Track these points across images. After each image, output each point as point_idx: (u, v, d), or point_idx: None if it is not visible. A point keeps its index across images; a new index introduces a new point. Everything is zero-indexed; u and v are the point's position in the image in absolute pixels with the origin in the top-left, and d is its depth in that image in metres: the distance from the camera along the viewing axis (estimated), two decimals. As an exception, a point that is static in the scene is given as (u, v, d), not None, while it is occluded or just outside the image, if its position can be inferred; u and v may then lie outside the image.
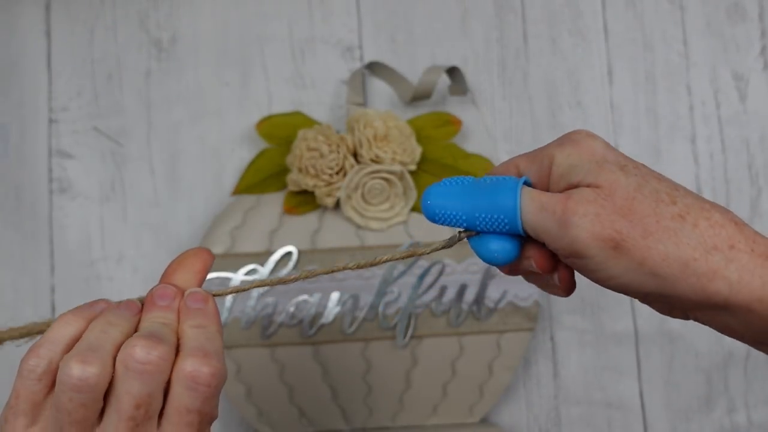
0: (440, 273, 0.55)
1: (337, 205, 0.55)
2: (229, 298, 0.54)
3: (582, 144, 0.31)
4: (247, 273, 0.54)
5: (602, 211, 0.28)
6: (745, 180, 0.59)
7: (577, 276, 0.59)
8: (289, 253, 0.55)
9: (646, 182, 0.30)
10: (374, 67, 0.59)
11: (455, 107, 0.60)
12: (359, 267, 0.32)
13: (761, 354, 0.58)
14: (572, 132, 0.33)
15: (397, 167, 0.54)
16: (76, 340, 0.29)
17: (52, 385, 0.28)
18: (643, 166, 0.31)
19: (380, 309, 0.54)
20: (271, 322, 0.54)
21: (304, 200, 0.56)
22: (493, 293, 0.54)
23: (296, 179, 0.54)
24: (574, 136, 0.32)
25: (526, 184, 0.31)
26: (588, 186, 0.29)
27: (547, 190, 0.31)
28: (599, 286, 0.61)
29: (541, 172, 0.31)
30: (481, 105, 0.60)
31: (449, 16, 0.61)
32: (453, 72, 0.58)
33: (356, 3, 0.61)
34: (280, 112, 0.58)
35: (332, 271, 0.32)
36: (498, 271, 0.55)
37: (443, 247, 0.32)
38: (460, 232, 0.32)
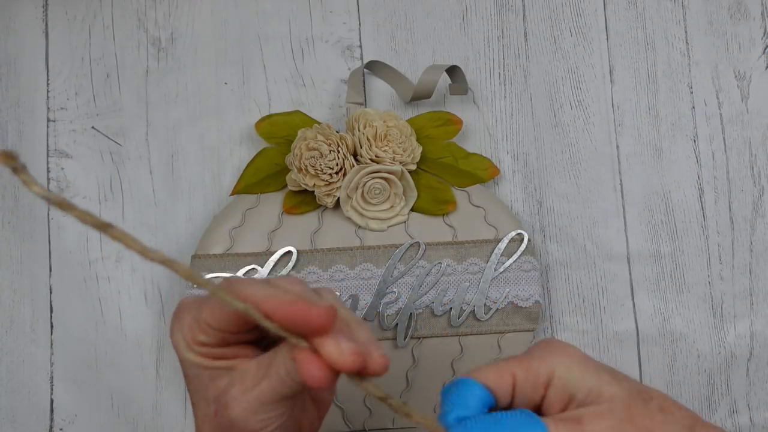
0: (440, 273, 0.54)
1: (337, 204, 0.55)
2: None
3: (571, 352, 0.33)
4: (247, 273, 0.54)
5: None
6: (748, 180, 0.59)
7: (578, 275, 0.59)
8: (288, 253, 0.54)
9: (630, 385, 0.32)
10: (374, 66, 0.59)
11: (456, 106, 0.59)
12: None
13: (764, 355, 0.58)
14: (549, 341, 0.34)
15: (397, 167, 0.54)
16: None
17: None
18: (613, 368, 0.34)
19: (380, 309, 0.54)
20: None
21: (303, 200, 0.55)
22: (493, 293, 0.54)
23: (296, 179, 0.54)
24: (556, 346, 0.33)
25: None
26: (591, 402, 0.31)
27: (541, 401, 0.32)
28: (600, 287, 0.61)
29: (537, 384, 0.32)
30: (481, 104, 0.60)
31: (449, 14, 0.61)
32: (453, 71, 0.57)
33: (356, 2, 0.61)
34: (280, 111, 0.58)
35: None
36: (498, 270, 0.55)
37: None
38: None
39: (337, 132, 0.55)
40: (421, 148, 0.55)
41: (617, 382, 0.32)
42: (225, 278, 0.31)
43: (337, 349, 0.29)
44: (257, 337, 0.34)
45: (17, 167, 0.24)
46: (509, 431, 0.29)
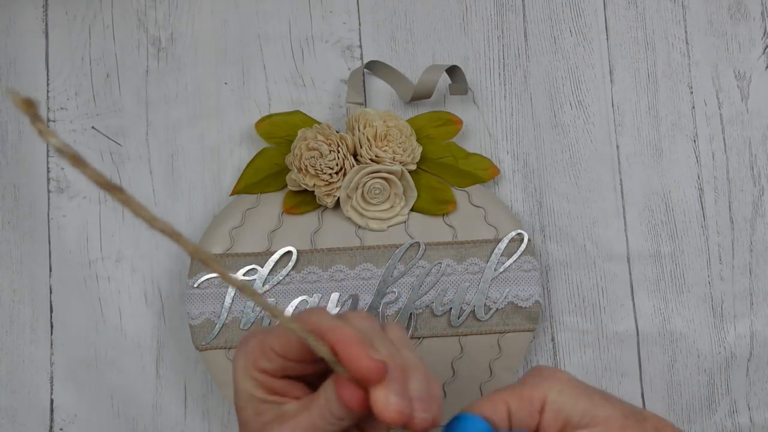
0: (440, 273, 0.54)
1: (337, 204, 0.55)
2: (228, 298, 0.53)
3: (561, 377, 0.33)
4: (247, 273, 0.54)
5: None
6: (748, 179, 0.59)
7: (578, 275, 0.59)
8: (288, 253, 0.54)
9: (623, 406, 0.32)
10: (374, 66, 0.59)
11: (456, 106, 0.59)
12: None
13: (764, 355, 0.58)
14: (540, 368, 0.34)
15: (397, 167, 0.54)
16: None
17: None
18: (606, 391, 0.34)
19: (380, 309, 0.54)
20: (271, 322, 0.54)
21: (303, 200, 0.55)
22: (493, 293, 0.54)
23: (296, 179, 0.54)
24: (547, 373, 0.33)
25: None
26: (587, 425, 0.31)
27: (537, 428, 0.32)
28: (600, 287, 0.61)
29: (532, 410, 0.32)
30: (481, 104, 0.60)
31: (449, 14, 0.61)
32: (453, 71, 0.57)
33: (356, 2, 0.61)
34: (280, 111, 0.58)
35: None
36: (498, 270, 0.55)
37: None
38: None
39: (337, 132, 0.55)
40: (421, 148, 0.55)
41: (610, 403, 0.32)
42: (305, 310, 0.31)
43: (384, 401, 0.29)
44: (314, 373, 0.34)
45: (36, 115, 0.24)
46: None
